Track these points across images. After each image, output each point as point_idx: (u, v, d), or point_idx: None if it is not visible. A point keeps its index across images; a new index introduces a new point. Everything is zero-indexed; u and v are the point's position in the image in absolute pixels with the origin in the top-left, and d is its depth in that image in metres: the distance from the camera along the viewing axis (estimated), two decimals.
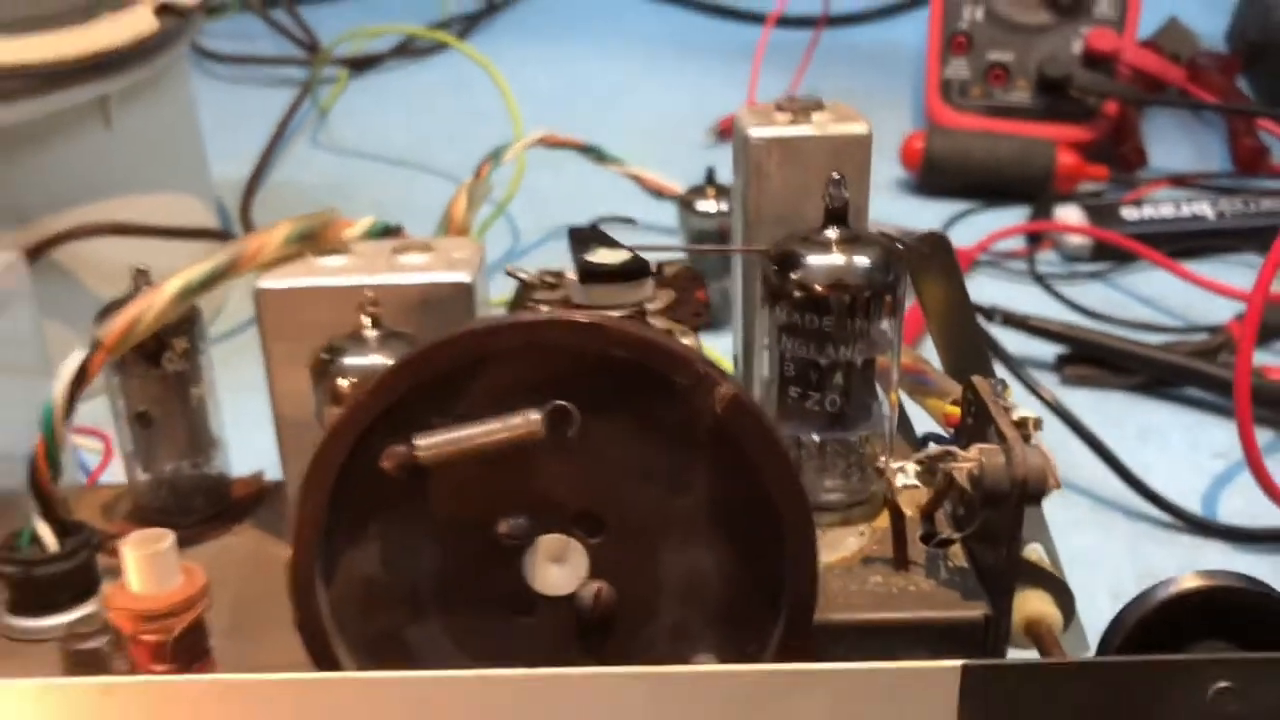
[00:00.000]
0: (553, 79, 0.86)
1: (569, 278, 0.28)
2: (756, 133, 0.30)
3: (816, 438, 0.27)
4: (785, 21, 0.93)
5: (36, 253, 0.52)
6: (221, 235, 0.61)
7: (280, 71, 0.90)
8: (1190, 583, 0.23)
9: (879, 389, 0.28)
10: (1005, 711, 0.23)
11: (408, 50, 0.92)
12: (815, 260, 0.26)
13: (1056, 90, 0.70)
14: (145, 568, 0.28)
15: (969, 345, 0.31)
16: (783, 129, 0.30)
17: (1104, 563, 0.44)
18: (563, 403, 0.23)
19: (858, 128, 0.30)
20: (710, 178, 0.59)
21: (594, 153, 0.65)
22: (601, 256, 0.27)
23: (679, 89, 0.88)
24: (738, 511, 0.24)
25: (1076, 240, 0.64)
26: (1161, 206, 0.65)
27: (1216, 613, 0.23)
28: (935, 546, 0.27)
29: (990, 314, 0.55)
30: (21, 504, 0.36)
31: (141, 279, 0.37)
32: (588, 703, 0.23)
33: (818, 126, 0.30)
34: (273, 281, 0.35)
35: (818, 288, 0.26)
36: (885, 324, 0.27)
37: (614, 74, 0.90)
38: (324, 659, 0.24)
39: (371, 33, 0.89)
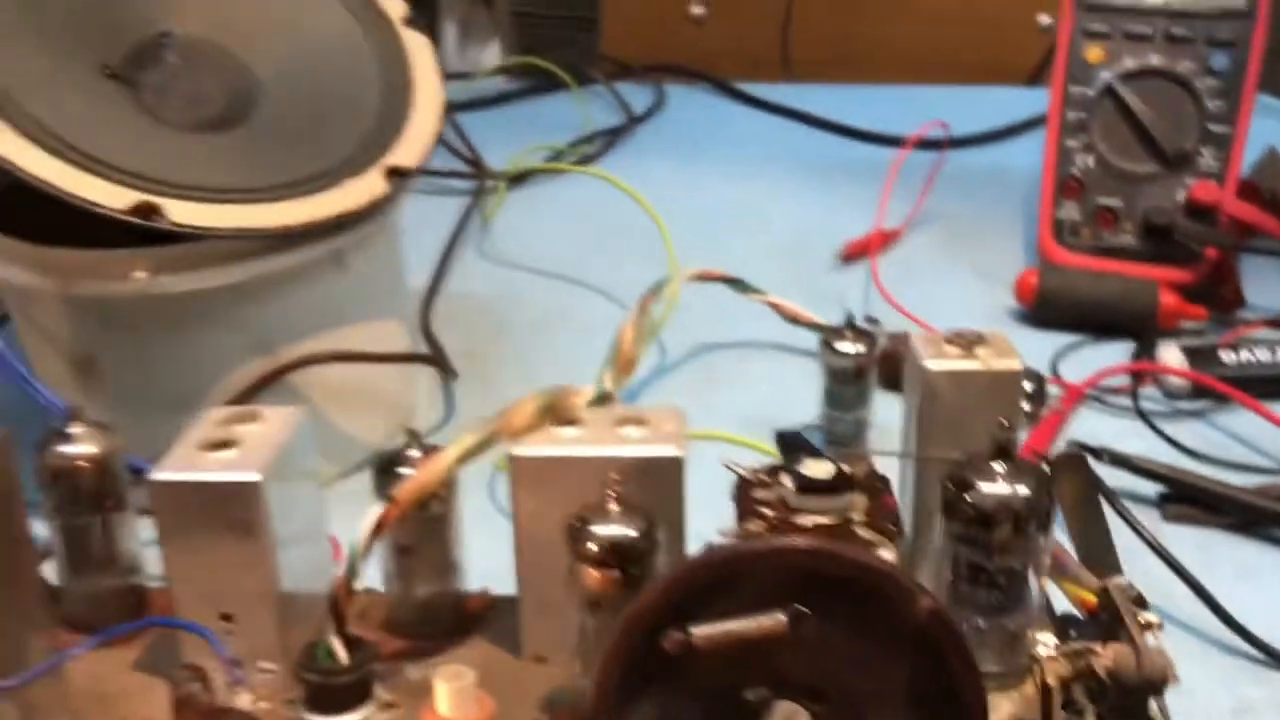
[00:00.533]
0: (688, 196, 0.95)
1: (783, 481, 0.36)
2: (932, 365, 0.38)
3: (981, 623, 0.35)
4: (899, 142, 1.01)
5: (275, 378, 0.61)
6: (419, 358, 0.70)
7: (441, 183, 0.99)
8: None
9: (1034, 583, 0.35)
10: None
11: (557, 166, 1.01)
12: (986, 488, 0.34)
13: (1161, 235, 0.77)
14: (454, 698, 0.36)
15: (1098, 540, 0.38)
16: (954, 363, 0.38)
17: (1200, 694, 0.50)
18: (800, 607, 0.31)
19: (1012, 364, 0.38)
20: (850, 321, 0.67)
21: (738, 284, 0.73)
22: (813, 470, 0.35)
23: (806, 207, 0.96)
24: (929, 694, 0.32)
25: (1177, 380, 0.70)
26: (1258, 350, 0.71)
27: None
28: (1073, 714, 0.34)
29: (1099, 454, 0.62)
30: (299, 606, 0.44)
31: (414, 439, 0.47)
32: None
33: (981, 362, 0.38)
34: (524, 450, 0.44)
35: (987, 509, 0.34)
36: (1040, 537, 0.34)
37: (744, 191, 0.98)
38: None
39: (536, 155, 0.99)
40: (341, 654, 0.43)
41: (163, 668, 0.46)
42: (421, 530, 0.46)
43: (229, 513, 0.42)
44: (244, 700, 0.36)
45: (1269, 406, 0.66)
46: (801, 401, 0.69)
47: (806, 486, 0.34)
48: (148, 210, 0.54)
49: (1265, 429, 0.67)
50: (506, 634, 0.47)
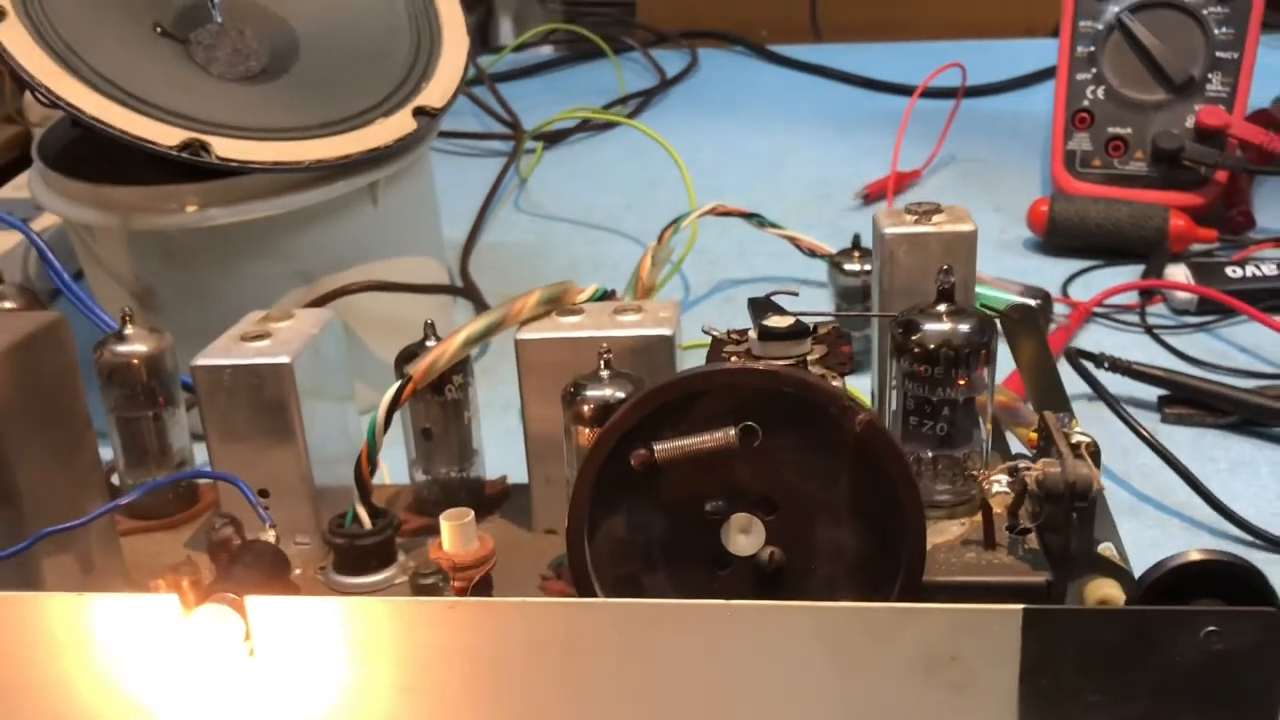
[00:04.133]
0: (717, 148, 0.98)
1: (750, 336, 0.39)
2: (890, 230, 0.41)
3: (930, 454, 0.38)
4: (927, 93, 1.04)
5: (317, 306, 0.66)
6: (452, 290, 0.75)
7: (484, 145, 1.04)
8: (1193, 556, 0.33)
9: (979, 419, 0.38)
10: (1055, 644, 0.33)
11: (590, 125, 1.05)
12: (929, 326, 0.37)
13: (1170, 161, 0.79)
14: (457, 534, 0.40)
15: (1050, 388, 0.41)
16: (910, 227, 0.41)
17: None
18: (751, 423, 0.34)
19: (966, 227, 0.41)
20: (856, 242, 0.70)
21: (756, 219, 0.76)
22: (774, 321, 0.38)
23: (830, 156, 0.99)
24: (871, 502, 0.35)
25: (1184, 295, 0.72)
26: (1264, 265, 0.73)
27: (1212, 579, 0.33)
28: (1016, 534, 0.37)
29: (1099, 360, 0.64)
30: (332, 495, 0.49)
31: (430, 329, 0.51)
32: (763, 628, 0.34)
33: (936, 225, 0.41)
34: (529, 334, 0.48)
35: (930, 346, 0.37)
36: (981, 372, 0.38)
37: (771, 143, 1.02)
38: (585, 594, 0.36)
39: (572, 116, 1.03)
40: (366, 519, 0.47)
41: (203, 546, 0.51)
42: (441, 414, 0.51)
43: (263, 392, 0.47)
44: (269, 535, 0.41)
45: (1273, 318, 0.68)
46: None
47: (767, 335, 0.38)
48: (196, 146, 0.59)
49: (1267, 338, 0.69)
50: (520, 514, 0.51)
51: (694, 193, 0.81)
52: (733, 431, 0.34)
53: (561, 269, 0.86)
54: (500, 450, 0.53)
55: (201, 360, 0.47)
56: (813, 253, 0.77)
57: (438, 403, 0.50)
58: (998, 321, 0.39)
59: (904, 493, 0.34)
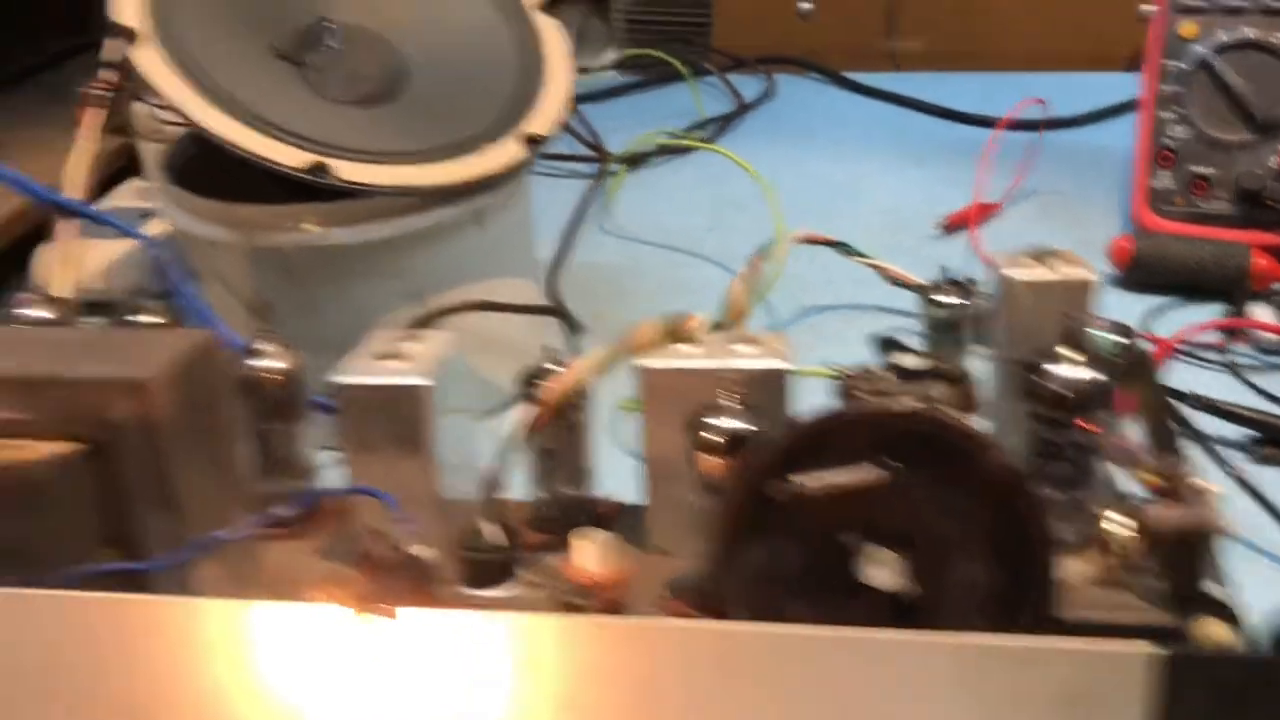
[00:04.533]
0: (795, 174, 1.00)
1: (880, 373, 0.41)
2: (1012, 274, 0.43)
3: (1054, 494, 0.40)
4: (996, 123, 1.05)
5: (424, 324, 0.68)
6: (549, 310, 0.77)
7: (566, 165, 1.07)
8: None
9: (1100, 460, 0.40)
10: (1186, 685, 0.34)
11: (670, 149, 1.07)
12: (1056, 371, 0.39)
13: (1253, 200, 0.80)
14: (594, 554, 0.42)
15: (1164, 431, 0.42)
16: (1032, 272, 0.43)
17: None
18: (894, 461, 0.36)
19: (1088, 275, 0.43)
20: (947, 275, 0.71)
21: (843, 247, 0.78)
22: (906, 361, 0.40)
23: (907, 185, 1.00)
24: (1004, 539, 0.37)
25: (1268, 335, 0.73)
26: None
27: None
28: (1137, 574, 0.39)
29: (1188, 399, 0.66)
30: (453, 508, 0.51)
31: (550, 354, 0.53)
32: (902, 657, 0.36)
33: (1055, 271, 0.43)
34: (651, 362, 0.50)
35: (1057, 390, 0.39)
36: (1104, 416, 0.39)
37: (848, 171, 1.04)
38: (725, 618, 0.38)
39: (654, 140, 1.05)
40: (493, 535, 0.49)
41: (340, 555, 0.53)
42: (562, 436, 0.53)
43: (400, 411, 0.49)
44: (418, 550, 0.43)
45: None
46: None
47: (899, 374, 0.40)
48: (320, 169, 0.62)
49: None
50: (633, 533, 0.53)
51: (782, 220, 0.83)
52: (877, 469, 0.36)
53: (648, 291, 0.88)
54: (604, 476, 0.55)
55: (343, 378, 0.50)
56: (898, 282, 0.78)
57: (559, 425, 0.52)
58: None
59: (1038, 533, 0.36)
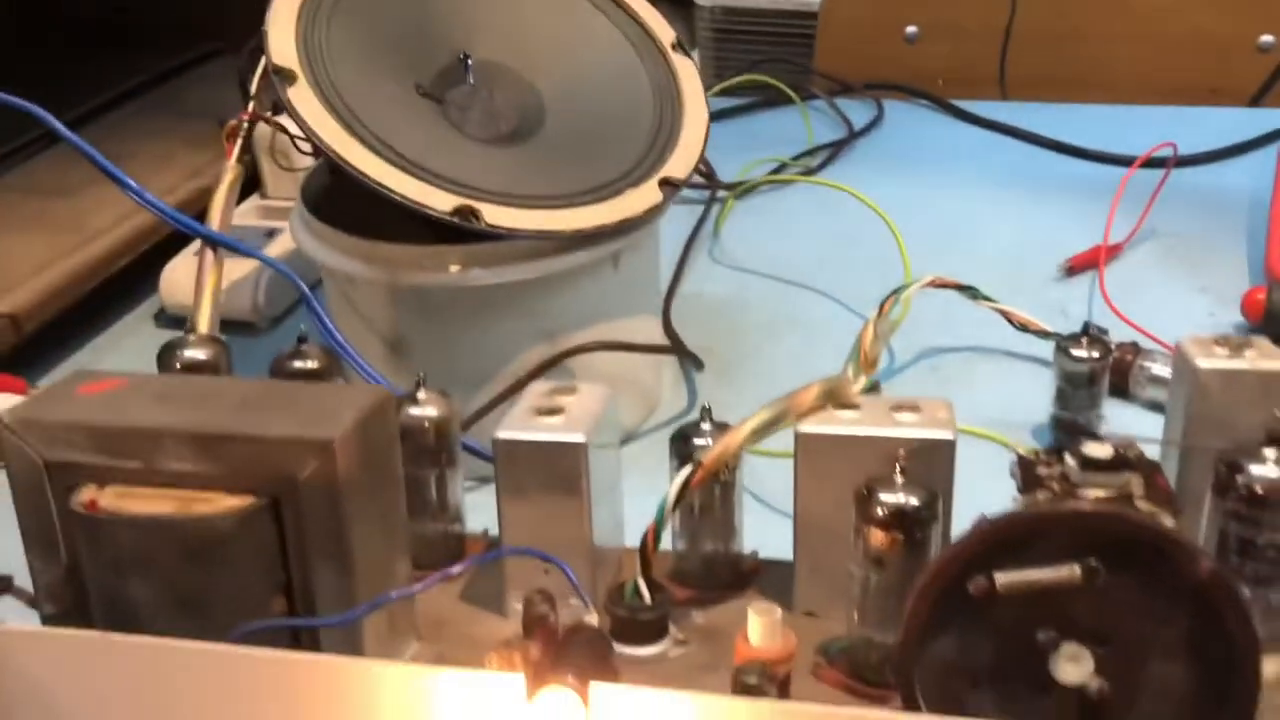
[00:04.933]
0: (906, 206, 0.99)
1: (1069, 461, 0.40)
2: (1203, 363, 0.42)
3: (1248, 593, 0.39)
4: (1118, 160, 1.03)
5: (552, 364, 0.69)
6: (676, 351, 0.77)
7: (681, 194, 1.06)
8: None
9: None
10: None
11: (778, 178, 1.07)
12: (1260, 471, 0.38)
13: None
14: (765, 630, 0.42)
15: None
16: (1225, 362, 0.42)
17: None
18: (1094, 562, 0.36)
19: (1278, 365, 0.42)
20: (1086, 329, 0.70)
21: (971, 291, 0.77)
22: (1094, 450, 0.40)
23: (1024, 222, 0.99)
24: (1204, 641, 0.36)
25: None
26: None
27: None
28: None
29: None
30: (603, 557, 0.52)
31: (706, 413, 0.53)
32: None
33: (1250, 362, 0.42)
34: (810, 428, 0.50)
35: (1260, 491, 0.38)
36: None
37: (965, 204, 1.02)
38: (911, 707, 0.38)
39: (765, 167, 1.05)
40: (646, 594, 0.49)
41: (481, 601, 0.54)
42: (713, 494, 0.53)
43: (558, 466, 0.50)
44: (592, 618, 0.43)
45: None
46: (1028, 404, 0.73)
47: (1089, 464, 0.39)
48: (467, 212, 0.63)
49: None
50: (776, 591, 0.53)
51: (909, 259, 0.82)
52: (1077, 569, 0.36)
53: (761, 324, 0.88)
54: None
55: (502, 434, 0.50)
56: (1024, 327, 0.78)
57: (710, 485, 0.52)
58: None
59: (1242, 637, 0.35)
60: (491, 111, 0.72)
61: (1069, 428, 0.42)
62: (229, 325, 0.70)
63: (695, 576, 0.54)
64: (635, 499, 0.55)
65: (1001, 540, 0.37)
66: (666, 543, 0.54)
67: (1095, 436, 0.41)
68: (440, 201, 0.62)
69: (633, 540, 0.51)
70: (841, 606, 0.48)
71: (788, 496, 0.51)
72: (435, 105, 0.71)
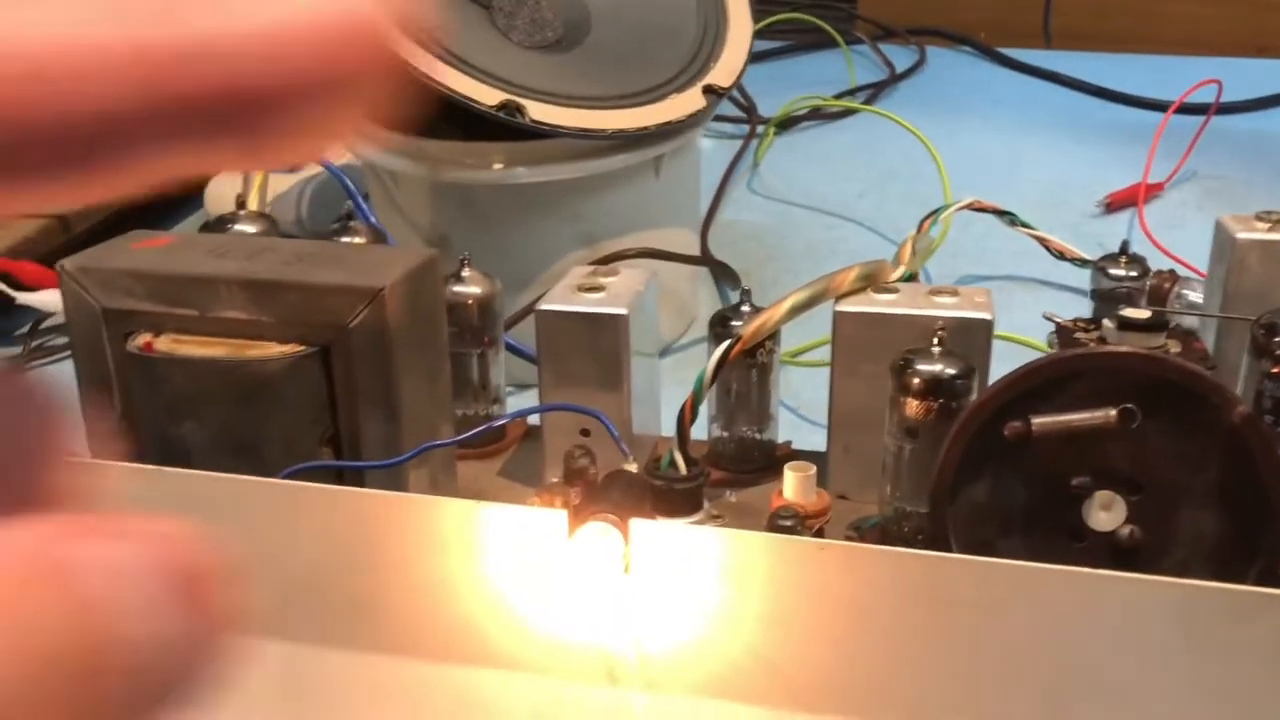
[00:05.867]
0: (948, 146, 0.99)
1: (1106, 324, 0.41)
2: (1243, 235, 0.43)
3: None
4: (1162, 107, 1.03)
5: (598, 265, 0.70)
6: (712, 263, 0.78)
7: (715, 126, 1.07)
8: None
9: None
10: None
11: (821, 114, 1.07)
12: None
13: None
14: (801, 485, 0.43)
15: None
16: (1263, 234, 0.42)
17: None
18: (1130, 405, 0.36)
19: None
20: (1124, 249, 0.71)
21: (1009, 217, 0.78)
22: (1132, 312, 0.40)
23: (1066, 161, 0.99)
24: (1236, 491, 0.37)
25: None
26: None
27: None
28: None
29: None
30: (641, 440, 0.52)
31: (746, 295, 0.54)
32: (1123, 598, 0.36)
33: None
34: (848, 306, 0.50)
35: None
36: None
37: (1003, 145, 1.02)
38: (944, 550, 0.39)
39: (806, 104, 1.05)
40: (682, 465, 0.50)
41: (521, 477, 0.55)
42: (749, 376, 0.53)
43: (599, 339, 0.50)
44: (631, 466, 0.44)
45: None
46: None
47: (1126, 324, 0.39)
48: (512, 107, 0.63)
49: None
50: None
51: (949, 185, 0.82)
52: (1113, 412, 0.36)
53: (798, 251, 0.88)
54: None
55: (545, 305, 0.51)
56: (1061, 255, 0.78)
57: (747, 365, 0.53)
58: None
59: (1273, 485, 0.36)
60: (538, 19, 0.73)
61: (1107, 297, 0.42)
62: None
63: (730, 459, 0.55)
64: (672, 408, 0.55)
65: (1038, 384, 0.37)
66: (704, 430, 0.55)
67: (1134, 303, 0.41)
68: (486, 96, 0.63)
69: (670, 431, 0.52)
70: (874, 491, 0.49)
71: (823, 408, 0.52)
72: (482, 10, 0.71)
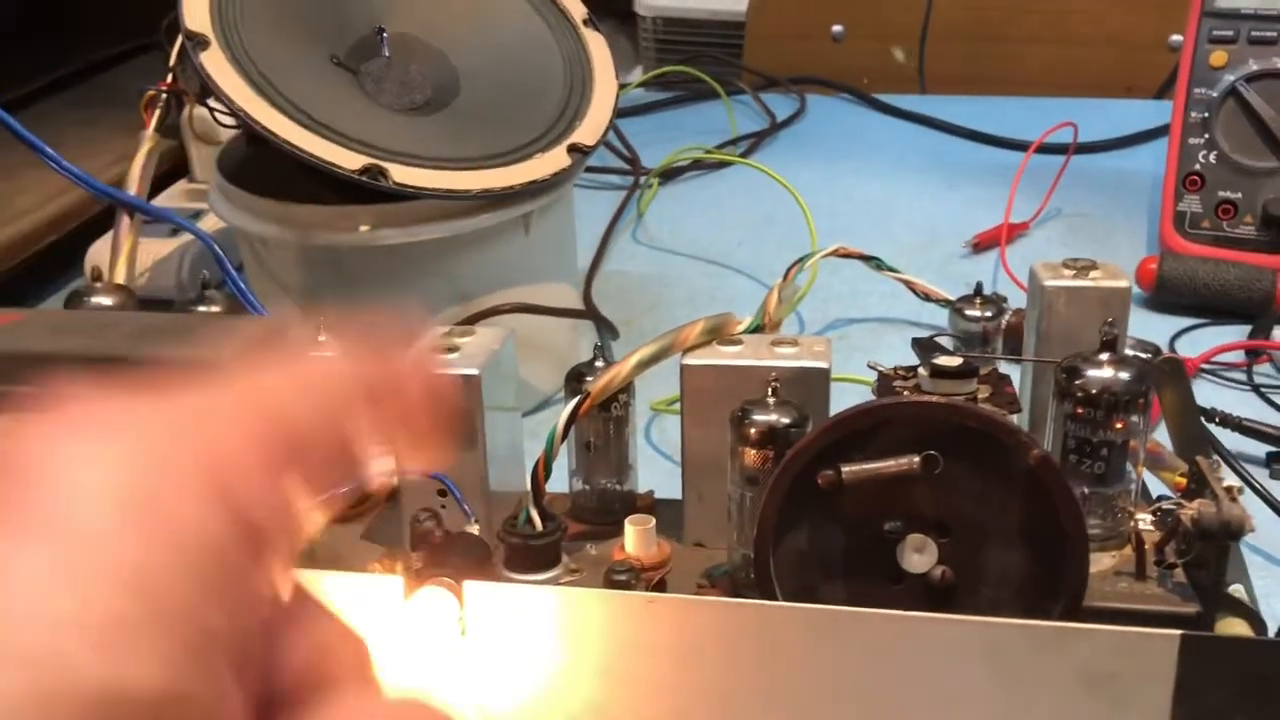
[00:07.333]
0: (827, 192, 1.02)
1: (920, 372, 0.43)
2: (1050, 282, 0.45)
3: (1085, 490, 0.41)
4: (1027, 146, 1.07)
5: (469, 324, 0.70)
6: (588, 315, 0.79)
7: (602, 178, 1.09)
8: None
9: (1131, 460, 0.42)
10: (1208, 669, 0.36)
11: (703, 164, 1.10)
12: (1093, 373, 0.41)
13: (1278, 226, 0.81)
14: (640, 537, 0.44)
15: (1193, 436, 0.44)
16: (1069, 280, 0.45)
17: None
18: (932, 452, 0.38)
19: (1122, 283, 0.45)
20: (979, 290, 0.73)
21: (875, 262, 0.80)
22: (944, 360, 0.42)
23: (938, 204, 1.02)
24: (1038, 530, 0.38)
25: None
26: None
27: None
28: (1165, 568, 0.41)
29: (1211, 415, 0.67)
30: (499, 498, 0.53)
31: (599, 352, 0.55)
32: (935, 638, 0.37)
33: (1093, 280, 0.45)
34: (694, 360, 0.52)
35: (1093, 391, 0.41)
36: (1137, 418, 0.41)
37: (879, 190, 1.05)
38: (768, 598, 0.40)
39: (687, 155, 1.08)
40: (538, 521, 0.51)
41: (382, 539, 0.55)
42: (603, 430, 0.55)
43: (452, 400, 0.51)
44: (473, 529, 0.45)
45: None
46: None
47: (937, 373, 0.41)
48: (375, 171, 0.64)
49: None
50: (669, 526, 0.55)
51: (816, 232, 0.85)
52: (916, 459, 0.38)
53: (680, 299, 0.90)
54: (641, 476, 0.56)
55: None
56: (927, 297, 0.80)
57: (603, 418, 0.54)
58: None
59: (1070, 525, 0.38)
60: (406, 83, 0.74)
61: (927, 346, 0.44)
62: (152, 304, 0.71)
63: (593, 512, 0.56)
64: None
65: (847, 434, 0.39)
66: (565, 484, 0.56)
67: (948, 352, 0.43)
68: (348, 160, 0.64)
69: None
70: (726, 539, 0.50)
71: None
72: (350, 76, 0.73)
